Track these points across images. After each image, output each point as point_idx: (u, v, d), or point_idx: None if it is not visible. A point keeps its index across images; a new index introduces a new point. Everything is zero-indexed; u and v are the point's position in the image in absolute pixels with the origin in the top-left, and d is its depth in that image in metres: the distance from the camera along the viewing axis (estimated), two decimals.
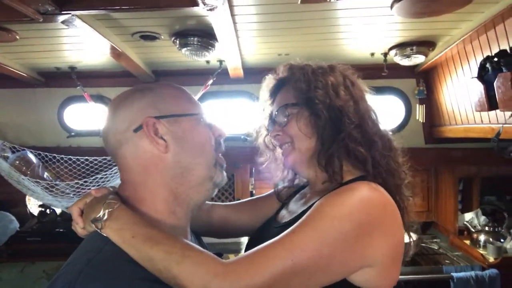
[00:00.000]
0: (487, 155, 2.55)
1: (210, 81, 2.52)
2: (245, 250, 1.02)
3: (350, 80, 0.98)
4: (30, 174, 2.50)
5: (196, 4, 1.42)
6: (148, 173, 0.81)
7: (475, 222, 2.94)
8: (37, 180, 2.39)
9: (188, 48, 1.97)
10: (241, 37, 1.97)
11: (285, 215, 1.05)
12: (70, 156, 2.48)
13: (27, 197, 3.06)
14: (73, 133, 2.88)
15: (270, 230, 1.02)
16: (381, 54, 2.30)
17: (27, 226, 2.99)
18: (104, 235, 0.74)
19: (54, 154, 2.53)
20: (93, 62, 2.43)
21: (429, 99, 2.70)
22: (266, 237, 0.85)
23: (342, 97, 0.93)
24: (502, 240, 2.73)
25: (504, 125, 1.80)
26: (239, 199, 3.02)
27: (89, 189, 2.37)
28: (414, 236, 1.03)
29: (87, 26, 1.64)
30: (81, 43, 2.02)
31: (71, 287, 0.67)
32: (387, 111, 2.82)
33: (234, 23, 1.73)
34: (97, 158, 2.46)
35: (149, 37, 1.94)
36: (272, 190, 1.17)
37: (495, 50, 1.75)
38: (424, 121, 2.72)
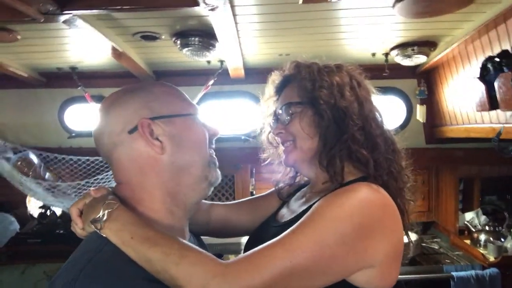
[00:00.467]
0: (488, 155, 2.56)
1: (211, 82, 2.51)
2: (244, 249, 1.03)
3: (356, 80, 0.97)
4: (32, 174, 2.49)
5: (197, 4, 1.42)
6: (145, 174, 0.80)
7: (476, 221, 2.95)
8: (39, 181, 2.39)
9: (189, 48, 1.97)
10: (242, 37, 1.97)
11: (285, 214, 1.04)
12: (71, 157, 2.47)
13: (27, 199, 3.05)
14: (74, 134, 2.88)
15: (269, 229, 1.02)
16: (382, 54, 2.30)
17: (27, 227, 2.99)
18: (103, 235, 0.74)
19: (56, 155, 2.53)
20: (94, 62, 2.42)
21: (430, 99, 2.70)
22: (265, 236, 0.85)
23: (347, 98, 0.92)
24: (502, 240, 2.73)
25: (505, 125, 1.81)
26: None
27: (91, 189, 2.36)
28: (413, 237, 1.03)
29: (88, 26, 1.63)
30: (82, 43, 2.01)
31: (71, 287, 0.67)
32: (388, 111, 2.82)
33: (235, 23, 1.73)
34: (98, 158, 2.46)
35: (150, 37, 1.94)
36: (273, 189, 1.16)
37: (497, 50, 1.74)
38: (425, 121, 2.72)
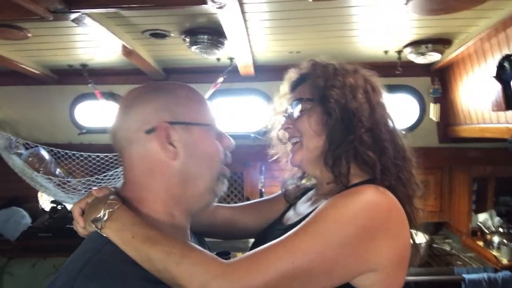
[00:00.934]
0: (503, 155, 2.49)
1: (221, 79, 2.50)
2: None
3: (371, 85, 0.96)
4: (43, 170, 2.53)
5: (205, 2, 1.41)
6: (153, 177, 0.80)
7: (489, 223, 2.88)
8: (50, 176, 2.42)
9: (198, 46, 1.96)
10: (251, 34, 1.95)
11: (291, 217, 1.03)
12: (81, 153, 2.50)
13: (39, 193, 3.10)
14: (84, 130, 2.91)
15: (274, 231, 1.00)
16: (395, 51, 2.25)
17: (38, 222, 3.03)
18: (104, 235, 0.74)
19: (66, 150, 2.56)
20: (104, 59, 2.43)
21: (444, 97, 2.64)
22: (269, 238, 0.84)
23: (359, 100, 0.91)
24: None
25: None
26: (248, 197, 3.04)
27: (100, 185, 2.38)
28: (422, 240, 1.01)
29: (97, 24, 1.63)
30: (93, 41, 2.02)
31: (70, 287, 0.67)
32: (401, 109, 2.78)
33: (245, 20, 1.71)
34: (108, 154, 2.48)
35: (159, 35, 1.94)
36: (279, 192, 1.16)
37: None
38: (438, 120, 2.67)
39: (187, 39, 1.95)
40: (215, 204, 1.11)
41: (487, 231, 2.82)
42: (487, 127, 2.15)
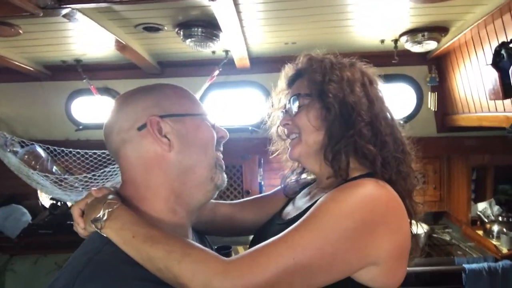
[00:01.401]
0: (501, 144, 2.49)
1: (216, 72, 2.48)
2: (250, 247, 1.01)
3: (369, 78, 0.96)
4: (39, 168, 2.52)
5: None
6: (151, 172, 0.80)
7: (489, 212, 2.88)
8: (46, 174, 2.41)
9: (192, 39, 1.94)
10: (246, 26, 1.93)
11: (290, 212, 1.04)
12: (78, 150, 2.49)
13: (38, 190, 3.09)
14: (81, 126, 2.90)
15: (274, 226, 1.01)
16: (392, 40, 2.23)
17: (38, 218, 3.03)
18: (104, 235, 0.74)
19: (63, 148, 2.55)
20: (98, 54, 2.41)
21: (442, 86, 2.63)
22: (269, 234, 0.85)
23: (356, 94, 0.91)
24: None
25: None
26: (248, 191, 3.04)
27: (98, 182, 2.39)
28: (421, 229, 1.02)
29: (88, 19, 1.61)
30: (85, 36, 2.00)
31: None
32: (398, 99, 2.76)
33: (238, 12, 1.69)
34: (105, 151, 2.47)
35: (152, 28, 1.92)
36: (278, 187, 1.16)
37: (511, 35, 1.67)
38: (436, 109, 2.65)
39: (181, 32, 1.93)
40: (215, 201, 1.12)
41: (486, 220, 2.83)
42: (485, 116, 2.14)
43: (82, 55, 2.40)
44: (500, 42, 1.74)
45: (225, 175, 0.89)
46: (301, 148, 0.96)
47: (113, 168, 2.38)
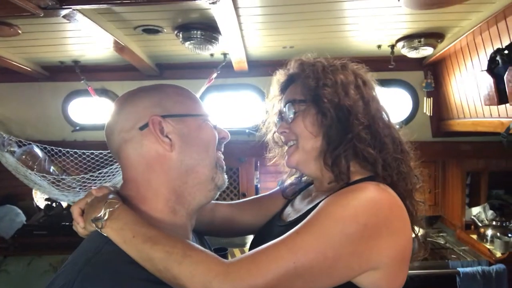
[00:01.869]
0: (496, 149, 2.51)
1: (215, 75, 2.49)
2: (250, 249, 1.01)
3: (362, 79, 0.95)
4: (36, 168, 2.51)
5: None
6: (152, 172, 0.80)
7: (483, 216, 2.91)
8: (44, 174, 2.40)
9: (192, 41, 1.95)
10: (245, 30, 1.94)
11: (290, 213, 1.03)
12: (75, 150, 2.48)
13: (33, 191, 3.08)
14: (78, 127, 2.89)
15: (275, 228, 1.01)
16: (388, 46, 2.26)
17: (33, 219, 3.02)
18: (105, 234, 0.74)
19: (60, 148, 2.54)
20: (96, 56, 2.41)
21: (437, 92, 2.65)
22: (270, 235, 0.85)
23: (352, 97, 0.90)
24: (509, 235, 2.69)
25: None
26: (244, 193, 3.04)
27: (95, 183, 2.38)
28: (421, 232, 1.01)
29: (88, 20, 1.62)
30: (84, 37, 2.00)
31: (70, 287, 0.67)
32: (394, 104, 2.78)
33: (238, 15, 1.70)
34: (102, 151, 2.47)
35: (151, 30, 1.92)
36: (277, 188, 1.16)
37: (506, 42, 1.70)
38: (431, 114, 2.68)
39: (180, 35, 1.94)
40: (214, 202, 1.12)
41: (480, 225, 2.85)
42: (480, 121, 2.17)
43: (81, 56, 2.40)
44: (495, 48, 1.77)
45: (225, 176, 0.89)
46: (299, 155, 0.95)
47: (111, 169, 2.38)
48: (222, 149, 0.91)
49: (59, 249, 2.64)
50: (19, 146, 2.58)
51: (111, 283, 0.68)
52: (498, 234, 2.70)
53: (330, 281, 0.77)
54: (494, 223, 2.79)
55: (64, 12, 1.48)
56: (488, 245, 2.67)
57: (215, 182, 0.86)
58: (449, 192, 3.09)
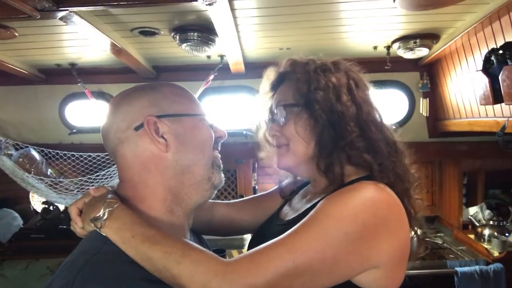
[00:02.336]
0: (492, 149, 2.53)
1: (211, 76, 2.49)
2: (249, 248, 1.01)
3: (354, 80, 0.93)
4: (34, 171, 2.50)
5: None
6: (148, 172, 0.80)
7: (480, 216, 2.92)
8: (41, 177, 2.39)
9: (188, 43, 1.95)
10: (241, 31, 1.95)
11: (288, 212, 1.03)
12: (73, 152, 2.48)
13: (30, 194, 3.07)
14: (74, 130, 2.89)
15: (273, 227, 1.01)
16: (384, 47, 2.27)
17: (30, 223, 3.00)
18: (103, 234, 0.74)
19: (57, 151, 2.54)
20: (93, 58, 2.41)
21: (433, 92, 2.67)
22: (269, 235, 0.84)
23: (343, 102, 0.89)
24: (507, 234, 2.70)
25: (510, 119, 1.78)
26: (242, 195, 3.04)
27: (93, 185, 2.38)
28: (419, 232, 1.01)
29: (85, 22, 1.62)
30: (81, 39, 2.00)
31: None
32: (390, 105, 2.79)
33: (234, 17, 1.71)
34: (99, 154, 2.47)
35: (148, 32, 1.93)
36: (275, 187, 1.15)
37: (500, 42, 1.71)
38: (427, 114, 2.69)
39: (177, 37, 1.94)
40: (212, 201, 1.12)
41: (477, 224, 2.87)
42: (476, 121, 2.18)
43: (77, 58, 2.40)
44: (490, 48, 1.79)
45: (222, 175, 0.89)
46: (290, 158, 0.94)
47: (108, 171, 2.37)
48: (219, 148, 0.91)
49: (56, 252, 2.62)
50: (16, 149, 2.58)
51: (111, 282, 0.68)
52: (496, 233, 2.71)
53: (329, 280, 0.77)
54: (491, 222, 2.80)
55: (60, 14, 1.48)
56: (485, 245, 2.68)
57: (212, 182, 0.86)
58: (446, 192, 3.10)
